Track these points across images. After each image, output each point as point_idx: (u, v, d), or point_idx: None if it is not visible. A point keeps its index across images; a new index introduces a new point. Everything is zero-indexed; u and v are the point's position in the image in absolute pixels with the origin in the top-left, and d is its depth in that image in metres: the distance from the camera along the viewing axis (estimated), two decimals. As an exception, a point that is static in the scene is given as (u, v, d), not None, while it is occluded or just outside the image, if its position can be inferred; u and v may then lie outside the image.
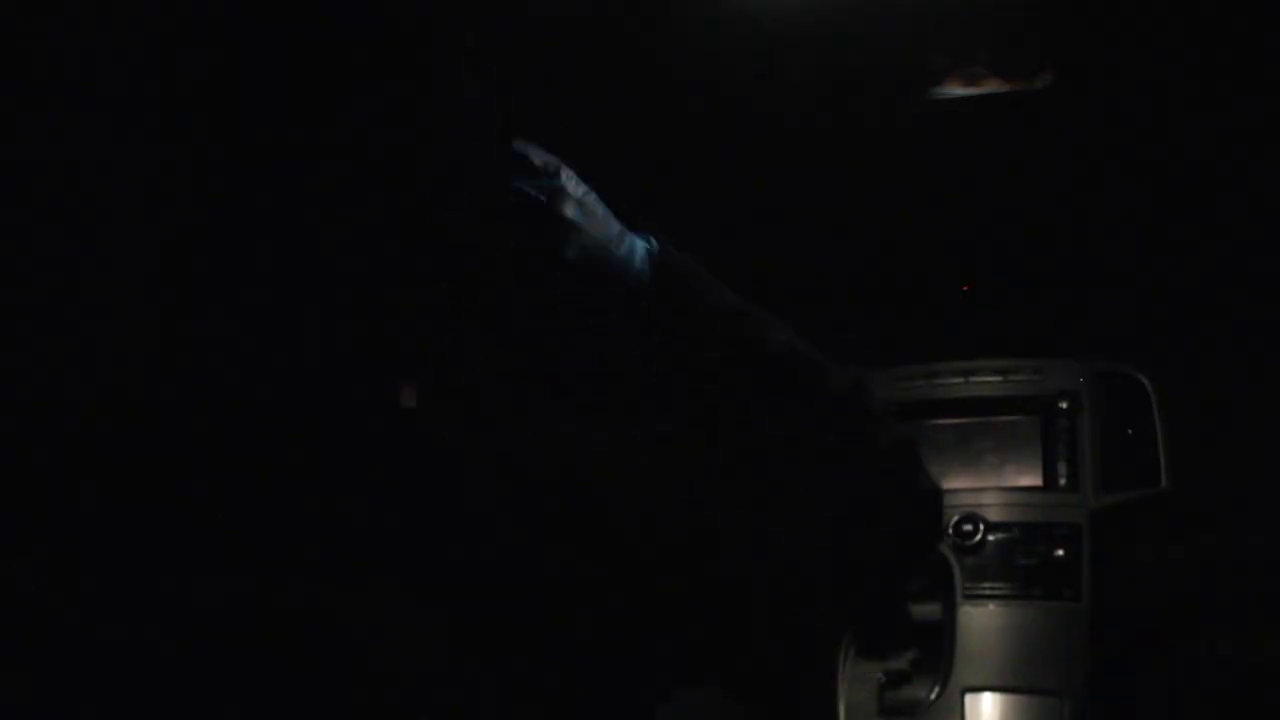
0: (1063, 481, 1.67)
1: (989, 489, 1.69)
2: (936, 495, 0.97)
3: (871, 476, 0.76)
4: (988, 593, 1.60)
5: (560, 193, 0.87)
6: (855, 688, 1.62)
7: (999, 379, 1.77)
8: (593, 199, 0.92)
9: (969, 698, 1.53)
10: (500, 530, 0.65)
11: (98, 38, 0.70)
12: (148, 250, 0.69)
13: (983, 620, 1.59)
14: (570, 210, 0.86)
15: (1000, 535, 1.64)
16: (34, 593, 0.66)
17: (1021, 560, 1.62)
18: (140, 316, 0.70)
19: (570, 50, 1.60)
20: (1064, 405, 1.71)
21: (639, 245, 0.94)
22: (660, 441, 0.77)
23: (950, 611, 1.60)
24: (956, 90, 1.82)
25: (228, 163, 0.67)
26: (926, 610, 1.64)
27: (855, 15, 1.67)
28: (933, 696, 1.55)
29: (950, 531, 1.65)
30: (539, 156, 0.88)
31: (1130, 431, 1.68)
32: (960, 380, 1.79)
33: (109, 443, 0.70)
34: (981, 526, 1.64)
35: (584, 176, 0.97)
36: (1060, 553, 1.60)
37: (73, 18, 0.73)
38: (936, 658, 1.59)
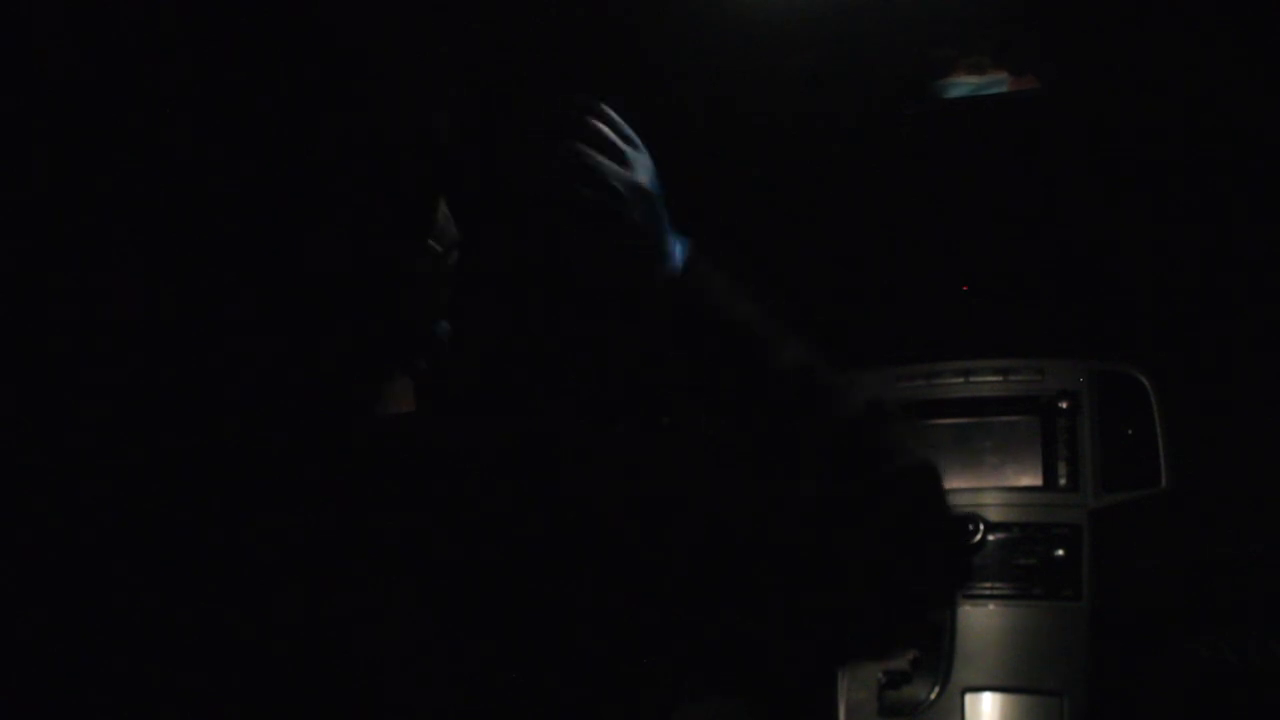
0: (1063, 481, 1.67)
1: (989, 489, 1.69)
2: (958, 529, 0.92)
3: (884, 500, 0.75)
4: (988, 593, 1.61)
5: (618, 196, 0.88)
6: (855, 688, 1.62)
7: (999, 379, 1.77)
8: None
9: (969, 698, 1.54)
10: (502, 533, 0.65)
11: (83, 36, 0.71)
12: (139, 250, 0.69)
13: (983, 620, 1.59)
14: (629, 210, 0.88)
15: (1000, 535, 1.64)
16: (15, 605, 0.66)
17: (1021, 560, 1.62)
18: (132, 318, 0.70)
19: (569, 50, 1.60)
20: (1064, 405, 1.71)
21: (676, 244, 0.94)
22: (669, 444, 0.76)
23: (950, 611, 1.60)
24: (957, 90, 1.82)
25: (223, 162, 0.67)
26: (926, 610, 1.64)
27: (855, 16, 1.67)
28: (933, 696, 1.55)
29: (950, 531, 1.65)
30: (593, 159, 0.89)
31: (1130, 431, 1.68)
32: (960, 380, 1.79)
33: (101, 446, 0.70)
34: (981, 526, 1.64)
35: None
36: (1060, 553, 1.61)
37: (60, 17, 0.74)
38: (936, 658, 1.59)
